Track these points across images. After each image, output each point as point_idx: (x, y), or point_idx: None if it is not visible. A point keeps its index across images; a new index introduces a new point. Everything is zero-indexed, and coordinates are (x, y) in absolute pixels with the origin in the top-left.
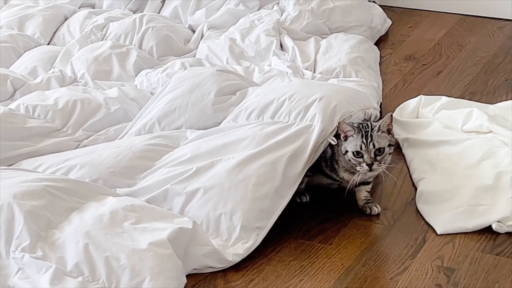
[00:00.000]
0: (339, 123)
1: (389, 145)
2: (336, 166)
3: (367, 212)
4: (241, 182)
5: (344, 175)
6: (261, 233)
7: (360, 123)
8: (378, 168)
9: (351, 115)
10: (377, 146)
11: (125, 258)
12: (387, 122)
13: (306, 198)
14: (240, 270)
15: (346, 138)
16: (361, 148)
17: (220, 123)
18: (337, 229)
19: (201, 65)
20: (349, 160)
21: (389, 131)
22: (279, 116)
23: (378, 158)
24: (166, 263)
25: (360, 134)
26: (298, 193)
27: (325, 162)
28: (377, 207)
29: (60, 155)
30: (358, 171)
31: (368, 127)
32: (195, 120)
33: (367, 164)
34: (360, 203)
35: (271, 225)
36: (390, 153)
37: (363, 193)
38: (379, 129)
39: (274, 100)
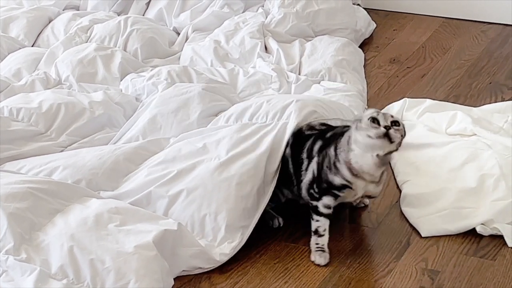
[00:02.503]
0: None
1: (404, 133)
2: (338, 165)
3: (354, 204)
4: (224, 182)
5: (347, 175)
6: (246, 232)
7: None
8: (396, 137)
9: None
10: (394, 118)
11: (110, 261)
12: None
13: (278, 222)
14: (224, 272)
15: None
16: (377, 114)
17: None
18: None
19: (187, 74)
20: (367, 126)
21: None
22: (257, 118)
23: (395, 127)
24: (151, 265)
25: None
26: (270, 217)
27: (330, 170)
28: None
29: (44, 158)
30: (372, 137)
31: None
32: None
33: (384, 127)
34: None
35: (255, 223)
36: (399, 143)
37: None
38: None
39: (252, 104)
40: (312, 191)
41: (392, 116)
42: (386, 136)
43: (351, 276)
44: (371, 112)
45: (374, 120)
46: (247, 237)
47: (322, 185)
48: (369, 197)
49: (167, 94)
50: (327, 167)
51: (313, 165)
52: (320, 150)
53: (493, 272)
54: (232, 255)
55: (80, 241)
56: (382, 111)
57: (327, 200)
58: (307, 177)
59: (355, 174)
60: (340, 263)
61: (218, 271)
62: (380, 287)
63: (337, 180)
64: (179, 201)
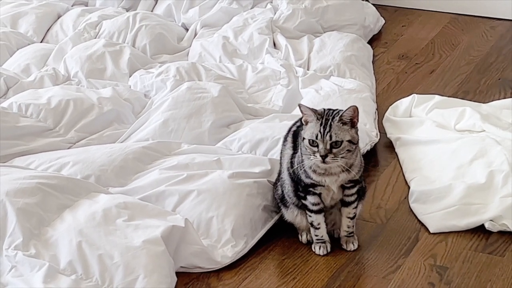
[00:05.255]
0: (299, 104)
1: (350, 141)
2: (306, 169)
3: (343, 246)
4: (236, 189)
5: (314, 176)
6: (250, 242)
7: (325, 109)
8: (332, 162)
9: None
10: (334, 138)
11: (119, 256)
12: (349, 114)
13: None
14: (233, 268)
15: (306, 122)
16: (316, 137)
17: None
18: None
19: (196, 70)
20: (305, 148)
21: (353, 125)
22: (272, 154)
23: (334, 150)
24: (159, 261)
25: (319, 122)
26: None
27: (301, 170)
28: (353, 244)
29: (53, 153)
30: (311, 160)
31: (330, 116)
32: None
33: (320, 155)
34: (342, 233)
35: (260, 237)
36: (349, 150)
37: (345, 221)
38: (340, 120)
39: (269, 137)
40: (298, 192)
41: (331, 137)
42: (323, 162)
43: (359, 272)
44: (313, 130)
45: (313, 142)
46: (250, 247)
47: (301, 184)
48: (352, 183)
49: (180, 96)
50: (298, 166)
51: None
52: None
53: (502, 268)
54: (234, 259)
55: (89, 236)
56: (391, 107)
57: (311, 198)
58: (286, 180)
59: (321, 173)
60: (348, 259)
61: (227, 267)
62: (389, 283)
63: (307, 180)
64: (188, 199)
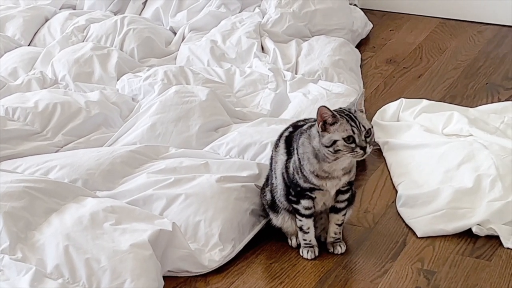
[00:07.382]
0: (319, 108)
1: (372, 128)
2: (305, 174)
3: (330, 250)
4: (223, 193)
5: (315, 180)
6: (237, 246)
7: (337, 110)
8: (370, 152)
9: None
10: (367, 126)
11: (106, 260)
12: (362, 100)
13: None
14: (220, 272)
15: (324, 127)
16: (353, 132)
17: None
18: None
19: (184, 74)
20: (337, 151)
21: (361, 111)
22: (260, 159)
23: (368, 140)
24: (146, 265)
25: (344, 120)
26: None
27: (298, 175)
28: (341, 247)
29: (40, 157)
30: (349, 157)
31: (347, 111)
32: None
33: (361, 148)
34: (329, 239)
35: (248, 241)
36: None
37: (333, 228)
38: (359, 110)
39: (257, 142)
40: (290, 197)
41: (364, 127)
42: (364, 154)
43: (347, 276)
44: (344, 127)
45: (350, 138)
46: (238, 251)
47: (296, 189)
48: (348, 186)
49: (168, 100)
50: (295, 171)
51: (281, 170)
52: (288, 153)
53: (489, 272)
54: (222, 264)
55: (76, 240)
56: (379, 111)
57: (305, 203)
58: (279, 185)
59: (323, 177)
60: (336, 263)
61: (214, 271)
62: (376, 287)
63: (305, 185)
64: (176, 203)
